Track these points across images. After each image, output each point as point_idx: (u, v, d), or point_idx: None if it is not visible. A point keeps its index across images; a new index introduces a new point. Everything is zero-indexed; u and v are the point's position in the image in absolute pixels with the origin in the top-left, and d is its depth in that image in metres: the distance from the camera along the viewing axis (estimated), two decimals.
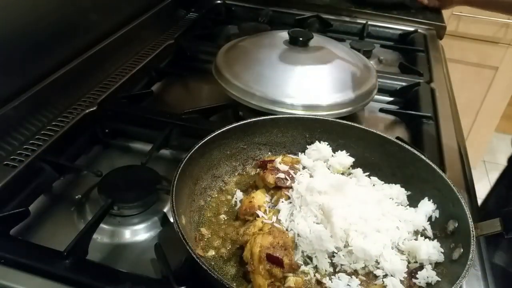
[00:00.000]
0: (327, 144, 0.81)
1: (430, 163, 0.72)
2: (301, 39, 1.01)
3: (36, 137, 0.89)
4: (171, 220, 0.75)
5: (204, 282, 0.56)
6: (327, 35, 1.27)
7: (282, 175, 0.73)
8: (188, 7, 1.59)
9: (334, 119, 0.83)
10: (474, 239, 0.59)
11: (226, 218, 0.73)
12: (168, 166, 0.87)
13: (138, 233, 0.74)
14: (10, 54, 0.86)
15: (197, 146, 0.72)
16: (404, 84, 1.17)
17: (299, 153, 0.82)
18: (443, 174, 0.69)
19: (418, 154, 0.74)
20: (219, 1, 1.68)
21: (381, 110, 1.09)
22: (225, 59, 1.03)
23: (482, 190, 3.00)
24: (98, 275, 0.61)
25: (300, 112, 0.90)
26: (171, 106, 1.10)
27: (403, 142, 0.79)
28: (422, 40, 1.48)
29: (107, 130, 0.93)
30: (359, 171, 0.78)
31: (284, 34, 1.04)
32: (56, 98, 0.97)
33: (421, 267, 0.63)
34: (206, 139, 0.74)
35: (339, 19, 1.58)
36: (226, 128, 0.78)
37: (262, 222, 0.66)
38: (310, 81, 0.96)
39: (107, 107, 0.99)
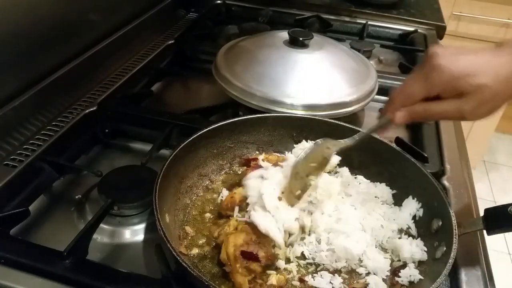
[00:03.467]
0: (314, 143, 0.81)
1: (416, 162, 0.72)
2: (301, 39, 1.00)
3: (36, 137, 0.89)
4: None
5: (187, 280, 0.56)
6: (327, 35, 1.27)
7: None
8: (188, 7, 1.59)
9: (321, 118, 0.83)
10: (457, 238, 0.59)
11: (211, 216, 0.74)
12: None
13: (138, 233, 0.74)
14: (10, 54, 0.86)
15: (182, 145, 0.73)
16: None
17: (287, 152, 0.82)
18: (427, 173, 0.70)
19: (404, 153, 0.75)
20: (219, 1, 1.68)
21: (381, 110, 1.09)
22: (225, 59, 1.03)
23: (482, 190, 3.00)
24: (98, 275, 0.61)
25: (300, 112, 0.90)
26: (171, 106, 1.10)
27: (401, 143, 0.78)
28: (422, 40, 1.48)
29: (107, 130, 0.93)
30: (345, 170, 0.79)
31: (284, 34, 1.04)
32: (56, 98, 0.97)
33: (404, 265, 0.63)
34: (191, 138, 0.75)
35: (339, 19, 1.58)
36: (213, 126, 0.78)
37: (236, 220, 0.67)
38: (310, 81, 0.96)
39: (107, 107, 0.99)
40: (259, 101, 0.92)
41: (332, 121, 0.82)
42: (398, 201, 0.73)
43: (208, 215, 0.74)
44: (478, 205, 0.85)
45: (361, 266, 0.63)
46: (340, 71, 1.00)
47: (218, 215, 0.73)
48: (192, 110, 0.99)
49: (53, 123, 0.93)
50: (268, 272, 0.62)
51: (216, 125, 0.79)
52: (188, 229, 0.71)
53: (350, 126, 0.80)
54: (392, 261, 0.65)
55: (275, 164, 0.76)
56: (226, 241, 0.63)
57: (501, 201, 2.64)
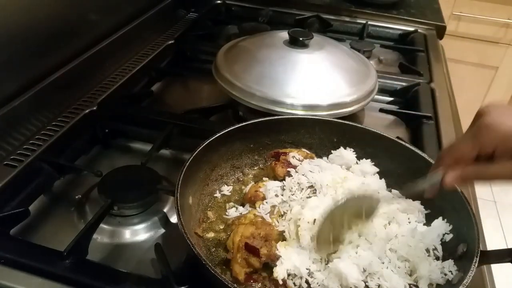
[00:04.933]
0: (353, 151, 0.80)
1: None
2: (301, 39, 1.00)
3: (36, 137, 0.89)
4: (172, 220, 0.75)
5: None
6: (327, 35, 1.27)
7: (292, 170, 0.74)
8: (188, 7, 1.59)
9: (365, 127, 0.82)
10: (475, 266, 0.57)
11: (235, 205, 0.74)
12: (168, 166, 0.87)
13: (138, 233, 0.74)
14: (10, 54, 0.86)
15: (218, 135, 0.74)
16: (404, 84, 1.17)
17: (324, 158, 0.81)
18: (463, 196, 0.67)
19: None
20: (219, 1, 1.68)
21: (381, 110, 1.09)
22: (225, 59, 1.03)
23: (482, 190, 2.99)
24: (98, 275, 0.61)
25: (300, 112, 0.90)
26: (171, 106, 1.10)
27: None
28: (422, 40, 1.48)
29: (107, 130, 0.93)
30: (382, 182, 0.76)
31: (284, 34, 1.04)
32: (56, 98, 0.97)
33: (417, 286, 0.62)
34: (227, 130, 0.76)
35: (339, 19, 1.58)
36: (251, 121, 0.79)
37: (254, 214, 0.67)
38: (310, 81, 0.96)
39: (107, 107, 0.99)
40: (259, 101, 0.92)
41: (375, 131, 0.80)
42: (428, 221, 0.71)
43: (232, 204, 0.75)
44: (478, 205, 0.85)
45: (372, 280, 0.61)
46: (340, 71, 1.00)
47: (241, 205, 0.74)
48: (192, 110, 0.99)
49: (53, 123, 0.93)
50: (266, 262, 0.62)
51: (255, 121, 0.80)
52: (210, 214, 0.72)
53: (393, 139, 0.77)
54: (410, 275, 0.63)
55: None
56: (235, 229, 0.64)
57: (501, 201, 2.65)
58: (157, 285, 0.61)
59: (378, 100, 1.13)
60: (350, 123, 0.83)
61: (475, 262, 0.58)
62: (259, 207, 0.69)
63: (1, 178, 0.77)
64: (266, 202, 0.69)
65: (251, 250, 0.61)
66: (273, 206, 0.69)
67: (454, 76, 1.37)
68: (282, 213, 0.68)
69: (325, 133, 0.83)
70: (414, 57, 1.37)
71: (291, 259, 0.61)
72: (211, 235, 0.69)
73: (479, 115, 0.54)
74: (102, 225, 0.72)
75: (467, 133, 0.56)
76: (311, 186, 0.72)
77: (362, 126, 0.82)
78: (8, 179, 0.77)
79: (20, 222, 0.72)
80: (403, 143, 0.78)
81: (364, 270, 0.61)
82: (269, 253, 0.61)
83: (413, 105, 1.09)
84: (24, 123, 0.89)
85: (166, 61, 1.25)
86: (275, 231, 0.64)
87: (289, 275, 0.60)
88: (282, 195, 0.71)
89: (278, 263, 0.61)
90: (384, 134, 0.80)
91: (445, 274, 0.62)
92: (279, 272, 0.60)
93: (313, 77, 0.97)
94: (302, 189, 0.72)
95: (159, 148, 0.88)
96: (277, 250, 0.62)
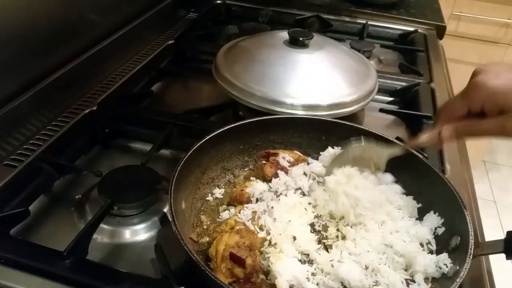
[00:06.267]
0: (341, 149, 0.80)
1: (444, 177, 0.70)
2: (301, 39, 1.00)
3: (36, 137, 0.89)
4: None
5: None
6: (327, 35, 1.27)
7: (281, 172, 0.74)
8: (188, 7, 1.59)
9: (352, 124, 0.82)
10: (471, 258, 0.58)
11: (227, 208, 0.74)
12: (168, 166, 0.87)
13: (138, 233, 0.74)
14: (10, 54, 0.86)
15: (208, 137, 0.74)
16: (404, 84, 1.17)
17: (314, 160, 0.81)
18: (454, 189, 0.68)
19: (433, 167, 0.72)
20: (219, 1, 1.68)
21: (381, 110, 1.09)
22: (225, 59, 1.03)
23: (482, 190, 2.99)
24: (98, 275, 0.61)
25: (300, 112, 0.90)
26: (171, 106, 1.10)
27: (418, 152, 0.76)
28: (422, 40, 1.48)
29: (107, 130, 0.93)
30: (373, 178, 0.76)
31: (284, 34, 1.04)
32: (56, 98, 0.97)
33: (414, 281, 0.62)
34: (218, 132, 0.75)
35: (339, 19, 1.58)
36: (241, 123, 0.79)
37: (235, 220, 0.67)
38: (310, 81, 0.96)
39: (107, 107, 0.99)
40: (259, 101, 0.92)
41: (362, 127, 0.81)
42: (420, 215, 0.72)
43: (224, 207, 0.75)
44: (478, 205, 0.85)
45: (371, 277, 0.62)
46: (340, 71, 1.00)
47: (227, 204, 0.75)
48: (192, 110, 0.99)
49: (53, 123, 0.93)
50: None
51: (245, 122, 0.80)
52: (204, 218, 0.72)
53: (381, 135, 0.78)
54: (405, 270, 0.63)
55: (295, 163, 0.77)
56: (219, 238, 0.63)
57: (501, 201, 2.65)
58: (157, 285, 0.61)
59: (378, 100, 1.13)
60: (339, 121, 0.83)
61: (470, 254, 0.58)
62: (239, 213, 0.68)
63: (1, 178, 0.77)
64: (247, 208, 0.69)
65: (236, 260, 0.60)
66: (254, 212, 0.68)
67: (454, 76, 1.37)
68: (263, 221, 0.67)
69: (314, 132, 0.84)
70: (414, 57, 1.37)
71: (287, 270, 0.60)
72: (205, 239, 0.69)
73: (474, 74, 0.58)
74: (102, 225, 0.72)
75: (460, 92, 0.60)
76: (299, 188, 0.73)
77: (349, 124, 0.82)
78: (8, 179, 0.77)
79: (20, 222, 0.72)
80: (390, 138, 0.78)
81: (366, 268, 0.61)
82: (254, 263, 0.60)
83: (413, 105, 1.09)
84: (24, 123, 0.89)
85: (166, 61, 1.25)
86: (258, 240, 0.64)
87: (291, 286, 0.59)
88: (261, 196, 0.72)
89: (277, 275, 0.59)
90: (371, 130, 0.80)
91: (440, 268, 0.62)
92: (282, 285, 0.59)
93: (313, 77, 0.97)
94: (289, 190, 0.72)
95: (159, 148, 0.88)
96: (271, 264, 0.60)
